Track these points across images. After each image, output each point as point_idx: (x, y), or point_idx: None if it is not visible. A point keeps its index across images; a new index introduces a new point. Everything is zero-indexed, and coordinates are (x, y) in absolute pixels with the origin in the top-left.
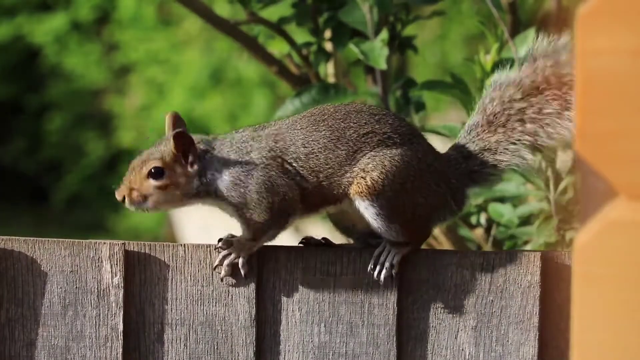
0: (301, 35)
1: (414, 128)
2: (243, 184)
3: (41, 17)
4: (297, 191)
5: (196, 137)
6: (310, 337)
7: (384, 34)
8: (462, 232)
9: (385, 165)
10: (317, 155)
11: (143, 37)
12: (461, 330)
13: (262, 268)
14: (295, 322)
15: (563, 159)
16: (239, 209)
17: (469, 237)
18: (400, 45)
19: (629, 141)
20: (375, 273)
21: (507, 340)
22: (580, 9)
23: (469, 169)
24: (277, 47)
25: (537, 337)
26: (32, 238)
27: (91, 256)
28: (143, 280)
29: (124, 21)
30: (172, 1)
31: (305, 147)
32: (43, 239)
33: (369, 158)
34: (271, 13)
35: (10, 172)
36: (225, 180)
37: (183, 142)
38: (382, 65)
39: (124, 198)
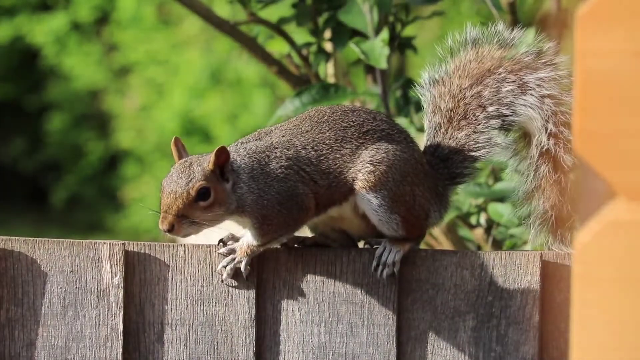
0: (301, 36)
1: (404, 129)
2: (267, 196)
3: (41, 17)
4: (312, 197)
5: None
6: (310, 337)
7: (384, 34)
8: (462, 232)
9: (389, 158)
10: (326, 157)
11: (143, 38)
12: (461, 330)
13: (262, 268)
14: (295, 322)
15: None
16: (258, 221)
17: (468, 237)
18: (400, 45)
19: (628, 141)
20: (378, 273)
21: (507, 340)
22: (579, 9)
23: (449, 172)
24: (277, 47)
25: (536, 337)
26: (32, 238)
27: (91, 256)
28: (143, 280)
29: (124, 21)
30: (172, 1)
31: (316, 150)
32: (43, 239)
33: (371, 151)
34: (271, 13)
35: (10, 172)
36: (252, 193)
37: (224, 159)
38: (382, 64)
39: (172, 227)
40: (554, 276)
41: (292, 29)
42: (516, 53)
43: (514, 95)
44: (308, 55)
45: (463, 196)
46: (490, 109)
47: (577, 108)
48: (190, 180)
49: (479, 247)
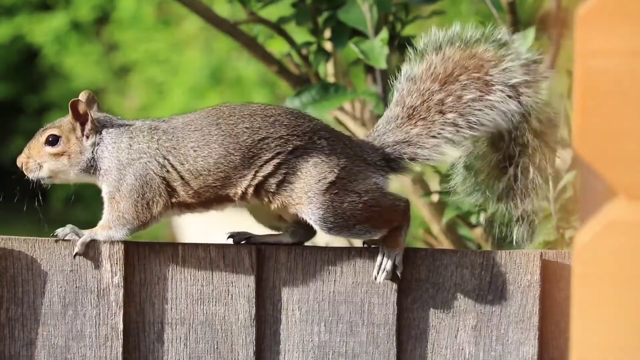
0: (301, 35)
1: (314, 123)
2: (123, 170)
3: (41, 17)
4: (166, 195)
5: (101, 114)
6: (310, 336)
7: (384, 34)
8: (462, 231)
9: (303, 174)
10: (206, 159)
11: (143, 37)
12: (461, 329)
13: (262, 267)
14: (295, 321)
15: (563, 158)
16: (111, 192)
17: (468, 237)
18: (400, 44)
19: (629, 141)
20: (379, 279)
21: (507, 340)
22: (579, 9)
23: (385, 156)
24: (277, 47)
25: (537, 337)
26: (32, 238)
27: (91, 256)
28: (143, 279)
29: (124, 21)
30: (172, 1)
31: (195, 150)
32: (43, 238)
33: (269, 165)
34: (271, 13)
35: (10, 172)
36: (109, 160)
37: (79, 112)
38: (382, 64)
39: (22, 165)
40: (554, 275)
41: (292, 28)
42: (477, 51)
43: (475, 102)
44: (308, 54)
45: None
46: (450, 116)
47: (577, 108)
48: (49, 127)
49: (479, 247)
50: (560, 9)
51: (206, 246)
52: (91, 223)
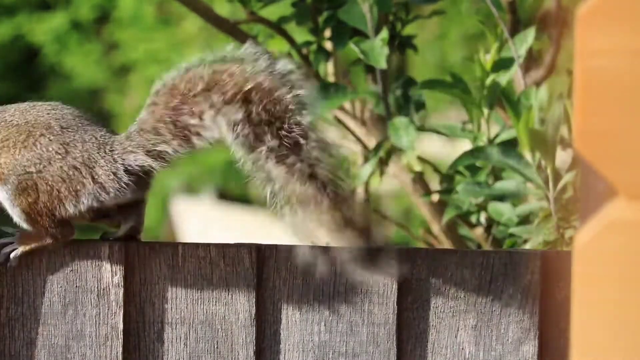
0: (301, 35)
1: (43, 117)
2: None
3: (41, 16)
4: None
5: None
6: (310, 336)
7: (384, 33)
8: (461, 231)
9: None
10: None
11: (143, 37)
12: (461, 329)
13: (262, 267)
14: (295, 321)
15: (562, 158)
16: None
17: (468, 236)
18: (400, 44)
19: (629, 141)
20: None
21: (507, 339)
22: (579, 8)
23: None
24: (277, 47)
25: (537, 336)
26: None
27: (91, 255)
28: (143, 279)
29: (124, 20)
30: (172, 0)
31: None
32: None
33: None
34: (271, 12)
35: None
36: None
37: None
38: (382, 64)
39: None
40: (554, 275)
41: (292, 28)
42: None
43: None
44: (308, 54)
45: (463, 195)
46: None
47: (577, 108)
48: None
49: (479, 246)
50: (560, 8)
51: (206, 246)
52: (92, 223)
